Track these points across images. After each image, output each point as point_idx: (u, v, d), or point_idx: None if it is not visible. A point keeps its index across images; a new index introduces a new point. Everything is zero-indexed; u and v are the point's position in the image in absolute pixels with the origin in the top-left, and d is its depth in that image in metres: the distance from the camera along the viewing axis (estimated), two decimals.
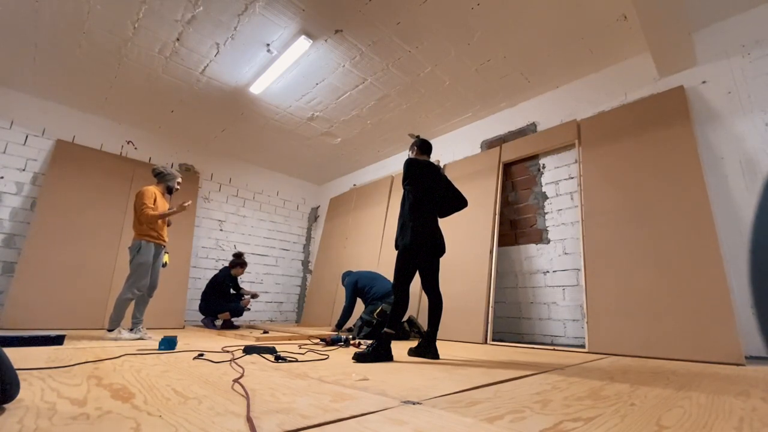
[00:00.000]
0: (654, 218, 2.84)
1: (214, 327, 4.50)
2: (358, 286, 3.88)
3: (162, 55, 3.57)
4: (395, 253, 2.43)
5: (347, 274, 4.13)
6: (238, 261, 4.92)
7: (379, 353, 2.13)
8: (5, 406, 0.97)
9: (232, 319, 4.59)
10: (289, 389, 1.29)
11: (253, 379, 1.45)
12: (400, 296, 2.30)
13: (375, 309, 3.64)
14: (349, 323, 4.07)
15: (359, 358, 2.09)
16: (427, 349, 2.33)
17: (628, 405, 1.18)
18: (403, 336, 3.64)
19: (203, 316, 4.65)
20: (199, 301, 4.76)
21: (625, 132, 3.21)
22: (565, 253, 3.48)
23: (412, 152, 2.69)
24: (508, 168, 4.10)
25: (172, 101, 4.40)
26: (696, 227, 2.62)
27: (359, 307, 4.07)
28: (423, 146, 2.67)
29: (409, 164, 2.49)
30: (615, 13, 2.96)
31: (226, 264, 5.64)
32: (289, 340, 3.24)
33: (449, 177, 4.55)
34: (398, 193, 5.07)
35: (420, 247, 2.36)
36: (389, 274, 4.05)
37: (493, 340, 3.45)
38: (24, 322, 3.67)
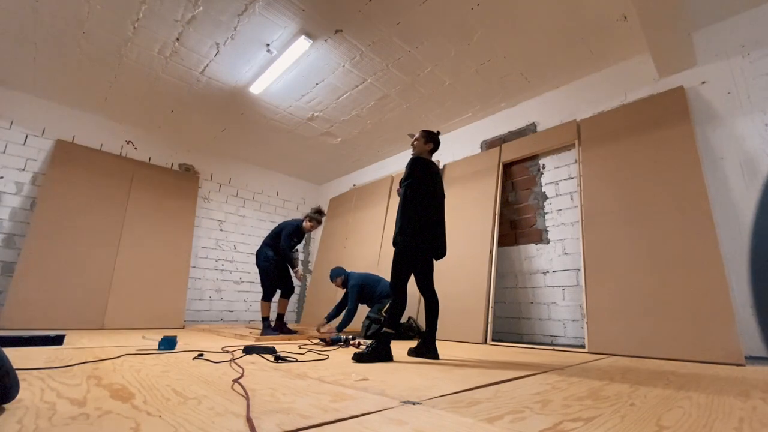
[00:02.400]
0: (654, 218, 2.84)
1: (285, 331, 3.64)
2: (363, 288, 3.87)
3: (162, 55, 3.57)
4: None
5: (341, 272, 4.07)
6: (317, 216, 3.89)
7: (379, 353, 2.13)
8: (5, 406, 0.97)
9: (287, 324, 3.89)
10: (288, 389, 1.29)
11: (252, 379, 1.45)
12: (399, 295, 2.29)
13: (383, 307, 3.62)
14: (351, 326, 4.05)
15: (359, 358, 2.09)
16: (426, 349, 2.33)
17: (628, 405, 1.18)
18: (403, 336, 3.64)
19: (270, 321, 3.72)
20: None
21: (625, 132, 3.21)
22: (565, 253, 3.48)
23: (424, 143, 2.52)
24: (508, 168, 4.10)
25: (172, 101, 4.40)
26: (696, 227, 2.62)
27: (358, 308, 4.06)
28: (436, 144, 2.57)
29: (417, 163, 2.42)
30: (615, 13, 2.96)
31: (226, 262, 5.65)
32: (289, 340, 3.24)
33: (449, 177, 4.56)
34: None
35: (423, 249, 2.34)
36: (389, 274, 4.04)
37: (493, 340, 3.45)
38: (24, 322, 3.67)
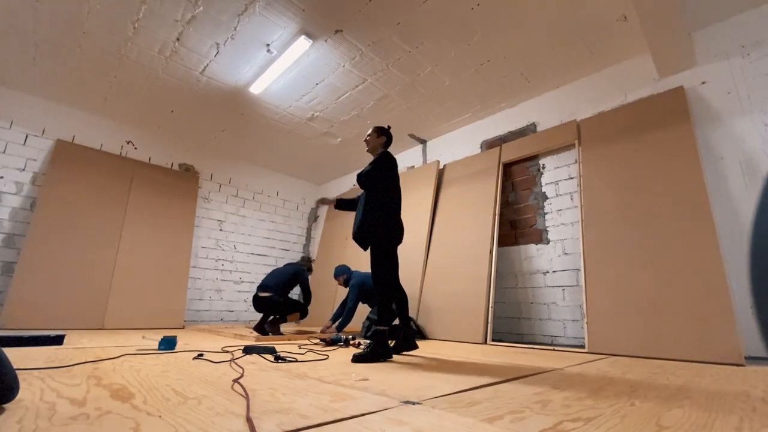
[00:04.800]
0: (654, 218, 2.84)
1: (280, 333, 3.62)
2: (364, 287, 3.86)
3: (162, 55, 3.57)
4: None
5: (344, 270, 4.08)
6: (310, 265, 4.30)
7: (377, 352, 2.14)
8: (5, 406, 0.97)
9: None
10: (288, 389, 1.29)
11: (252, 379, 1.45)
12: (384, 288, 2.33)
13: None
14: (351, 326, 4.05)
15: (358, 358, 2.09)
16: (405, 343, 2.36)
17: (628, 405, 1.18)
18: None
19: (267, 320, 3.72)
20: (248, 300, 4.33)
21: (625, 132, 3.21)
22: (565, 254, 3.48)
23: (377, 137, 2.64)
24: (508, 168, 4.10)
25: (172, 101, 4.40)
26: (696, 227, 2.62)
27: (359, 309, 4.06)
28: (389, 138, 2.67)
29: (392, 162, 2.51)
30: (615, 13, 2.96)
31: (226, 262, 5.65)
32: (289, 340, 3.24)
33: (449, 177, 4.56)
34: None
35: (395, 241, 2.41)
36: None
37: (493, 340, 3.45)
38: (24, 322, 3.67)
